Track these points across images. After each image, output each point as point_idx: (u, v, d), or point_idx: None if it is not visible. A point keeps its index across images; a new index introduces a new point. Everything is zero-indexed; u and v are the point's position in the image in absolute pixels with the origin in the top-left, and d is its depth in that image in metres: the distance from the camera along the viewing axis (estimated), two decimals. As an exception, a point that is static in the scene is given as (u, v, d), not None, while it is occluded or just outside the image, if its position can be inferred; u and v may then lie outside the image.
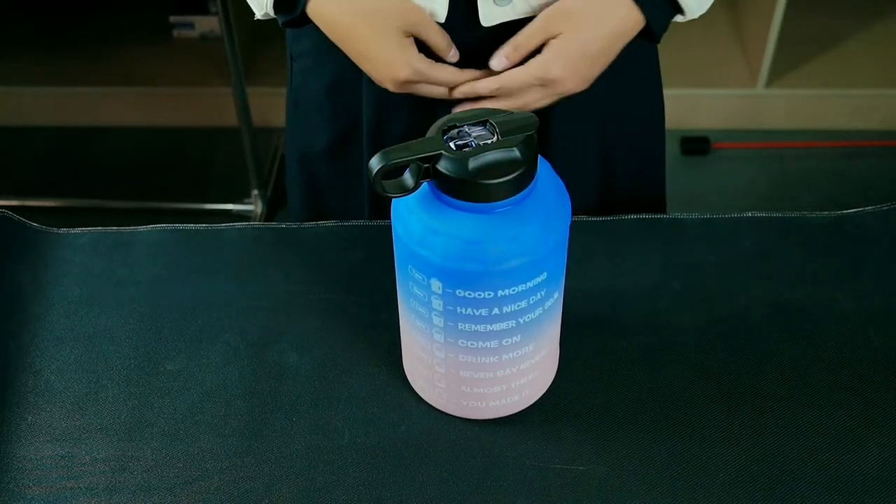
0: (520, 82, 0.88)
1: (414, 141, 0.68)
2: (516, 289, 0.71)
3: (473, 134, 0.68)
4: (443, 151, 0.67)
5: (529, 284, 0.71)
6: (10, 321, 0.90)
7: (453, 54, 0.90)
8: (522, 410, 0.82)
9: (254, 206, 2.12)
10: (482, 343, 0.74)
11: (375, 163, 0.67)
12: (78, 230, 0.98)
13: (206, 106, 2.31)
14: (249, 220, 2.10)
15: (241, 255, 0.95)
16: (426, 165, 0.68)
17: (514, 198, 0.68)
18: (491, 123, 0.69)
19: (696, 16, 0.92)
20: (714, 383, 0.84)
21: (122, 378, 0.86)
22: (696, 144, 2.24)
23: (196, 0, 2.37)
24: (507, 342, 0.74)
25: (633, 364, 0.85)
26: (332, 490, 0.78)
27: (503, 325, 0.73)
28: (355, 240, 0.96)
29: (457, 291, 0.71)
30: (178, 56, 2.37)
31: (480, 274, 0.69)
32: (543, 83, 0.87)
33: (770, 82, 2.22)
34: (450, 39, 0.89)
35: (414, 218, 0.70)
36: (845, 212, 0.97)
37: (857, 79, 2.26)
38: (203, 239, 0.97)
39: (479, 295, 0.71)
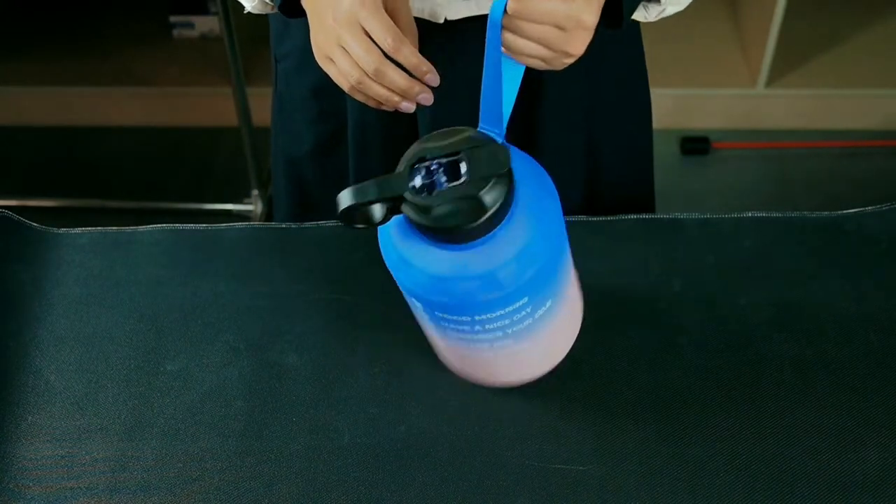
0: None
1: (382, 178, 0.66)
2: (494, 314, 0.69)
3: (442, 171, 0.65)
4: (405, 196, 0.64)
5: (508, 310, 0.69)
6: (10, 321, 0.90)
7: (411, 50, 0.76)
8: (522, 411, 0.82)
9: (254, 206, 2.12)
10: (475, 345, 0.74)
11: (343, 200, 0.65)
12: (78, 230, 0.98)
13: (206, 106, 2.30)
14: (249, 220, 2.10)
15: (241, 255, 0.95)
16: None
17: (483, 237, 0.65)
18: (462, 159, 0.65)
19: (668, 12, 0.89)
20: (714, 383, 0.84)
21: (122, 378, 0.86)
22: (696, 144, 2.24)
23: (196, 0, 2.37)
24: (498, 345, 0.74)
25: (633, 364, 0.85)
26: (332, 490, 0.78)
27: (490, 336, 0.72)
28: (355, 240, 0.96)
29: (436, 313, 0.70)
30: (178, 56, 2.36)
31: (453, 305, 0.68)
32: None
33: (770, 82, 2.22)
34: (417, 32, 0.78)
35: (389, 245, 0.69)
36: (845, 212, 0.97)
37: (857, 79, 2.25)
38: (203, 239, 0.97)
39: (458, 317, 0.70)
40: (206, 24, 2.37)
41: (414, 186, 0.65)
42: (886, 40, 2.33)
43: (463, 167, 0.65)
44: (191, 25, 2.38)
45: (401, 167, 0.66)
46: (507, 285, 0.67)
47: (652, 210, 1.13)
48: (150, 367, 0.87)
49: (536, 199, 0.68)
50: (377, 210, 0.66)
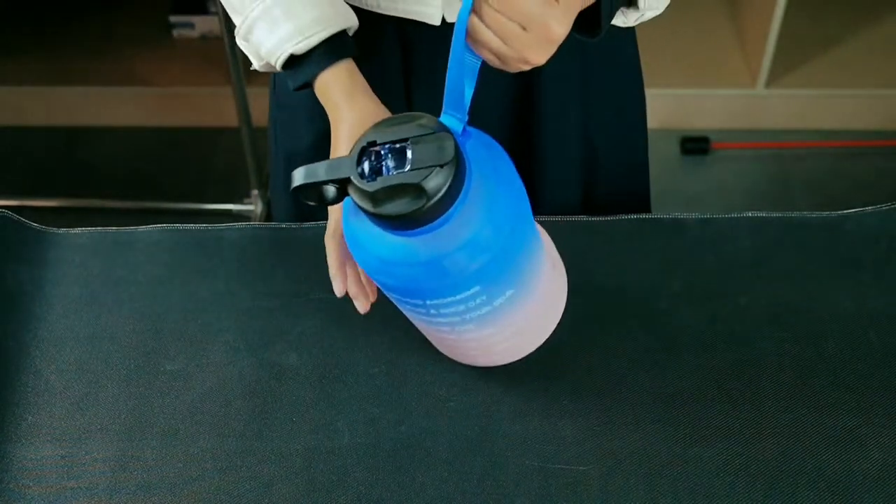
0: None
1: (333, 160, 0.66)
2: (445, 300, 0.68)
3: (391, 157, 0.64)
4: (351, 179, 0.64)
5: (459, 297, 0.68)
6: (10, 321, 0.90)
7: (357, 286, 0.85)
8: (522, 411, 0.82)
9: (254, 206, 2.12)
10: (436, 328, 0.73)
11: (296, 178, 0.66)
12: (78, 230, 0.98)
13: (206, 106, 2.30)
14: (249, 220, 2.10)
15: (241, 255, 0.95)
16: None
17: (429, 226, 0.64)
18: (408, 147, 0.64)
19: (647, 17, 0.89)
20: (714, 383, 0.84)
21: (122, 378, 0.86)
22: (696, 144, 2.24)
23: (196, 0, 2.37)
24: (459, 329, 0.72)
25: (633, 364, 0.85)
26: (332, 490, 0.78)
27: (447, 320, 0.70)
28: (355, 240, 0.96)
29: (391, 293, 0.69)
30: (178, 56, 2.36)
31: (402, 288, 0.67)
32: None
33: (770, 82, 2.22)
34: None
35: (346, 222, 0.69)
36: (845, 212, 0.97)
37: (857, 79, 2.25)
38: (203, 239, 0.97)
39: (411, 300, 0.69)
40: (206, 24, 2.37)
41: (362, 171, 0.64)
42: (886, 40, 2.33)
43: (409, 155, 0.64)
44: (191, 25, 2.38)
45: (354, 151, 0.65)
46: (453, 274, 0.65)
47: (648, 209, 1.13)
48: (150, 367, 0.87)
49: (491, 189, 0.66)
50: (330, 189, 0.66)
